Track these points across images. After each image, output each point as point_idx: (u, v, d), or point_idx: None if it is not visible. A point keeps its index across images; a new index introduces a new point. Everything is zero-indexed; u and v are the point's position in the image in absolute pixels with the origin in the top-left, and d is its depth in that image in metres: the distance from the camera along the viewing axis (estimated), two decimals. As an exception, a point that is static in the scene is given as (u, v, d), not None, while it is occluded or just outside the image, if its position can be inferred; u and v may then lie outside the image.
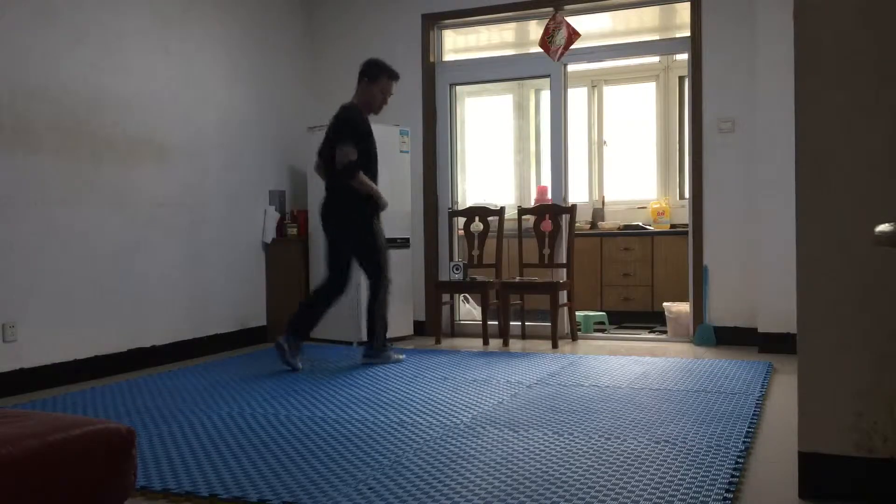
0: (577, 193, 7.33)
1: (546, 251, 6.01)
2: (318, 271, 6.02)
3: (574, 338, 5.93)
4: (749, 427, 3.22)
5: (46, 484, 1.81)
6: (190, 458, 2.94)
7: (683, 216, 6.70)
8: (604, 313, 6.65)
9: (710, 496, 2.41)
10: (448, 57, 6.53)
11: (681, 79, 7.51)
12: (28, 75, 4.35)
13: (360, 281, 5.30)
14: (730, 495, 2.43)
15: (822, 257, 2.43)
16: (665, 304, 6.12)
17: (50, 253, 4.44)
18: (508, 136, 8.20)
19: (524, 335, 6.08)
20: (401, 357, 5.04)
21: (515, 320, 6.07)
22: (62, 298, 4.50)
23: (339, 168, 4.70)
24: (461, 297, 6.53)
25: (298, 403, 3.86)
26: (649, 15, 6.24)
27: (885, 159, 2.36)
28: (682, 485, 2.52)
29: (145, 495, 2.57)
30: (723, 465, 2.71)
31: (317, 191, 6.07)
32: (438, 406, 3.74)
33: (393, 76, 4.95)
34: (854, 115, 2.40)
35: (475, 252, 6.16)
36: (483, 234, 6.18)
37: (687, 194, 6.19)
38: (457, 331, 6.32)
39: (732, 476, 2.60)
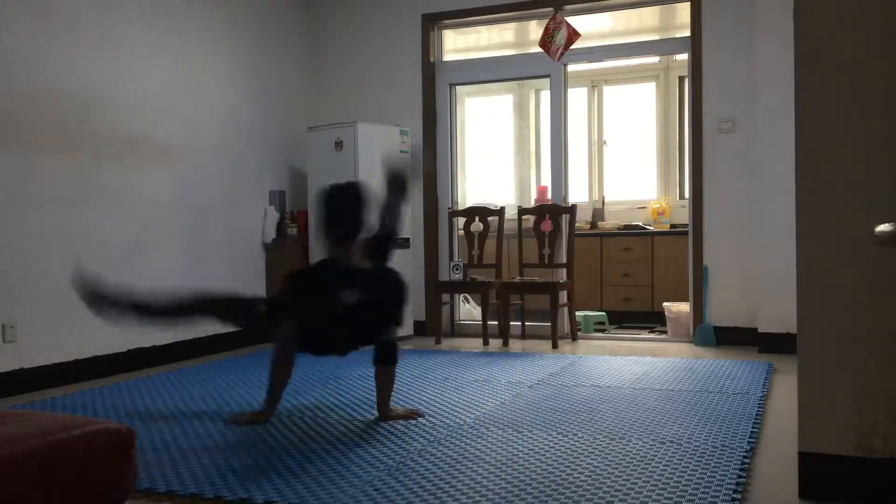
0: (577, 193, 7.33)
1: (546, 251, 6.01)
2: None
3: (574, 338, 5.93)
4: (753, 427, 3.22)
5: (46, 484, 1.80)
6: (193, 460, 2.94)
7: (683, 216, 6.70)
8: (604, 313, 6.65)
9: (717, 497, 2.41)
10: (448, 57, 6.53)
11: (681, 79, 7.50)
12: (28, 75, 4.34)
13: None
14: (738, 496, 2.43)
15: (822, 257, 2.43)
16: (665, 304, 6.13)
17: (50, 253, 4.44)
18: (508, 136, 8.20)
19: (524, 335, 6.08)
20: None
21: (515, 320, 6.06)
22: (62, 298, 4.48)
23: None
24: (461, 298, 6.53)
25: (300, 405, 3.86)
26: (649, 15, 6.24)
27: (885, 159, 2.36)
28: (689, 485, 2.52)
29: (149, 497, 2.57)
30: (729, 466, 2.71)
31: (315, 191, 6.11)
32: (441, 407, 3.74)
33: None
34: (854, 115, 2.40)
35: (475, 252, 6.16)
36: (483, 234, 6.18)
37: (687, 194, 6.19)
38: (457, 331, 6.32)
39: (739, 477, 2.60)
